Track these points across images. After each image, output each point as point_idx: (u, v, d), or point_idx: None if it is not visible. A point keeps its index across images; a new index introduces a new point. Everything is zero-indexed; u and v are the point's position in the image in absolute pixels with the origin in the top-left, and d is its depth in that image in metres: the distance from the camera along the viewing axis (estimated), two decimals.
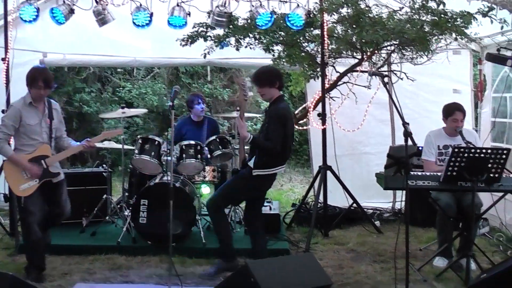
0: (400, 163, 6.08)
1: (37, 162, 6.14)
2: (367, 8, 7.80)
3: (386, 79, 5.70)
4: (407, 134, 5.12)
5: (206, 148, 7.81)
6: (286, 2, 7.72)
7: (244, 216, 7.05)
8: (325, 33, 7.99)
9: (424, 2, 7.61)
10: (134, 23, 7.48)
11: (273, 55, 8.43)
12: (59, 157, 6.43)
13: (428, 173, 6.36)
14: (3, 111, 6.87)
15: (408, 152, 5.23)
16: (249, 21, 7.92)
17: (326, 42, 8.04)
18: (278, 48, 8.45)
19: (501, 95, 8.26)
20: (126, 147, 8.25)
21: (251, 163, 6.22)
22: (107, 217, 8.17)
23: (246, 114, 10.20)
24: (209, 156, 7.83)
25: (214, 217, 6.59)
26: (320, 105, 8.32)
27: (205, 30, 8.20)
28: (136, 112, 10.07)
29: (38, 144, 6.20)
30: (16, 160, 6.12)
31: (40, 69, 6.42)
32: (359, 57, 8.32)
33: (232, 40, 8.22)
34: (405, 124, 5.21)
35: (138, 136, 7.91)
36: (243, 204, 7.60)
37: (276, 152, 6.12)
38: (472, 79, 9.54)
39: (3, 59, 7.89)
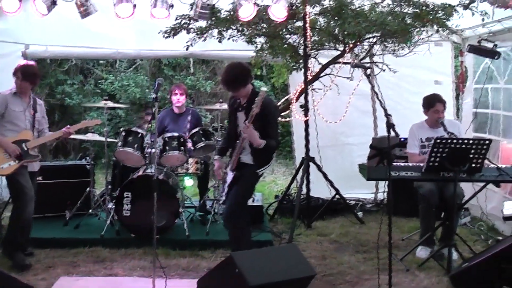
0: (383, 154, 6.12)
1: (19, 145, 6.43)
2: (349, 0, 7.79)
3: (368, 71, 5.74)
4: (390, 125, 5.14)
5: (189, 140, 7.82)
6: None
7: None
8: (307, 25, 7.99)
9: None
10: (117, 14, 7.46)
11: (256, 47, 8.42)
12: (39, 141, 6.72)
13: (410, 164, 6.42)
14: None
15: (390, 143, 5.26)
16: (231, 13, 7.90)
17: (308, 34, 8.04)
18: (260, 40, 8.43)
19: (483, 86, 8.33)
20: (109, 139, 8.21)
21: (247, 160, 6.03)
22: (90, 210, 8.13)
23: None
24: (192, 148, 7.83)
25: (233, 230, 6.14)
26: (302, 97, 8.34)
27: (187, 22, 8.17)
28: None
29: (21, 130, 6.49)
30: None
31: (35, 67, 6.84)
32: (342, 49, 8.31)
33: (215, 32, 8.20)
34: (387, 115, 5.23)
35: (121, 129, 7.91)
36: None
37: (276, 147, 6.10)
38: (454, 70, 9.61)
39: None
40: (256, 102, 5.61)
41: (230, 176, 6.15)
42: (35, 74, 6.66)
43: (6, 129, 6.50)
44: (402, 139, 7.22)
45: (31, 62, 6.91)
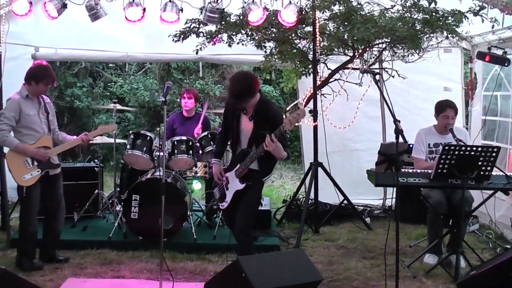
0: (391, 160, 6.10)
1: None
2: (358, 6, 7.80)
3: (377, 77, 5.72)
4: (398, 131, 5.14)
5: (198, 144, 7.85)
6: None
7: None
8: (317, 30, 8.01)
9: (415, 0, 7.63)
10: (126, 18, 7.49)
11: (265, 52, 8.46)
12: (59, 150, 6.60)
13: (419, 171, 6.39)
14: None
15: (399, 149, 5.25)
16: (241, 17, 7.92)
17: (318, 39, 8.06)
18: (270, 44, 8.46)
19: (492, 93, 8.32)
20: (118, 140, 8.24)
21: (254, 167, 5.89)
22: (98, 212, 8.19)
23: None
24: (200, 152, 7.85)
25: (246, 240, 5.99)
26: (311, 102, 8.34)
27: (197, 26, 8.20)
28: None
29: (39, 135, 6.38)
30: (23, 148, 6.27)
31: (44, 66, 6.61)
32: (351, 54, 8.32)
33: (224, 36, 8.22)
34: (396, 121, 5.22)
35: (130, 132, 7.93)
36: None
37: None
38: (463, 77, 9.57)
39: None
40: (291, 120, 5.41)
41: (236, 183, 5.96)
42: (52, 75, 6.55)
43: (22, 134, 6.33)
44: (411, 146, 7.20)
45: (44, 62, 6.83)
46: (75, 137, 6.76)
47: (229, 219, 6.29)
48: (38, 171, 6.31)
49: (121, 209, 7.51)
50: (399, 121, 5.24)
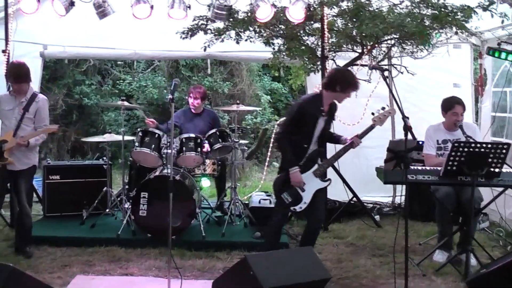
0: (399, 157, 6.07)
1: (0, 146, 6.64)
2: (367, 2, 7.77)
3: (386, 73, 5.70)
4: (407, 128, 5.12)
5: (206, 142, 7.84)
6: None
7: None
8: (325, 26, 7.98)
9: None
10: (134, 15, 7.50)
11: (273, 49, 8.43)
12: (12, 144, 6.63)
13: (428, 168, 6.36)
14: None
15: (407, 146, 5.23)
16: (249, 14, 7.90)
17: (326, 35, 8.02)
18: (278, 41, 8.44)
19: (502, 89, 8.27)
20: (126, 138, 8.26)
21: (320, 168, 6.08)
22: (107, 210, 8.20)
23: (248, 107, 10.25)
24: (208, 150, 7.84)
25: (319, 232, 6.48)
26: None
27: (205, 23, 8.19)
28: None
29: (7, 129, 6.72)
30: None
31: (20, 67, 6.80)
32: (359, 50, 8.29)
33: (232, 33, 8.21)
34: (405, 118, 5.21)
35: (138, 129, 7.93)
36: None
37: None
38: (473, 73, 9.53)
39: (3, 51, 7.97)
40: (381, 117, 6.01)
41: (316, 182, 6.04)
42: (27, 73, 6.72)
43: (1, 128, 6.85)
44: (420, 142, 7.16)
45: (18, 62, 6.91)
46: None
47: (301, 214, 6.43)
48: None
49: (130, 206, 7.50)
50: (408, 118, 5.22)
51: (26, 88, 6.71)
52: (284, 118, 6.28)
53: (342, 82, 5.97)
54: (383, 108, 6.04)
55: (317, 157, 6.06)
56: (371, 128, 6.03)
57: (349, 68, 8.43)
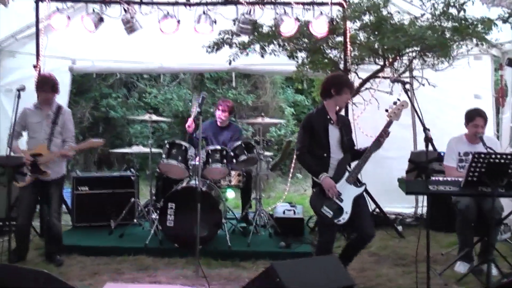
0: (421, 168, 6.13)
1: (34, 159, 6.78)
2: (389, 15, 7.89)
3: (407, 86, 5.79)
4: (428, 140, 5.21)
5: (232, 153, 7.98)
6: (309, 9, 7.88)
7: None
8: (347, 40, 8.12)
9: (445, 9, 7.67)
10: (161, 30, 7.69)
11: (297, 62, 8.57)
12: (48, 158, 6.83)
13: (449, 178, 6.40)
14: None
15: (428, 158, 5.32)
16: (273, 28, 8.05)
17: (348, 48, 8.16)
18: (301, 54, 8.56)
19: None
20: (153, 150, 8.43)
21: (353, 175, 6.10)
22: (134, 220, 8.37)
23: (272, 120, 10.36)
24: (234, 161, 7.98)
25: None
26: (343, 111, 8.43)
27: (230, 37, 8.36)
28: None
29: (38, 142, 6.86)
30: (18, 153, 6.83)
31: (46, 76, 7.12)
32: (381, 63, 8.37)
33: (257, 47, 8.36)
34: (426, 130, 5.30)
35: (165, 141, 8.08)
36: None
37: None
38: (494, 84, 9.56)
39: (34, 66, 8.16)
40: (396, 112, 6.00)
41: (353, 190, 6.03)
42: (55, 83, 6.94)
43: (28, 140, 6.96)
44: (442, 154, 7.23)
45: (47, 73, 7.22)
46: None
47: (347, 224, 6.20)
48: (29, 175, 6.79)
49: (157, 216, 7.67)
50: (429, 130, 5.31)
51: (52, 98, 6.92)
52: (297, 135, 6.35)
53: (335, 85, 6.10)
54: (395, 103, 6.05)
55: (345, 165, 6.09)
56: (389, 124, 6.05)
57: (371, 80, 8.58)
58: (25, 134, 7.02)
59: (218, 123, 8.86)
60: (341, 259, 5.94)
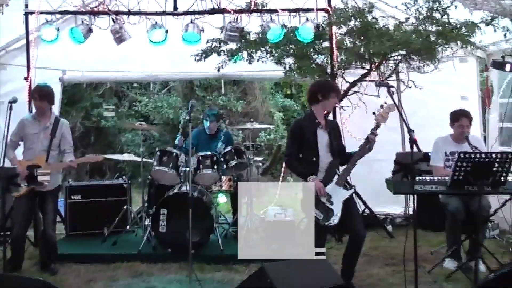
0: (406, 169, 6.22)
1: (30, 171, 6.79)
2: (374, 20, 7.97)
3: (392, 89, 5.89)
4: (412, 141, 5.32)
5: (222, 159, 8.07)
6: (296, 16, 7.98)
7: None
8: (334, 45, 8.21)
9: (429, 13, 7.76)
10: (150, 40, 7.78)
11: (285, 68, 8.64)
12: (48, 169, 6.85)
13: (435, 178, 6.50)
14: None
15: (413, 158, 5.42)
16: (260, 35, 8.15)
17: (335, 53, 8.25)
18: (289, 60, 8.63)
19: (508, 100, 8.40)
20: (144, 160, 8.50)
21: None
22: (127, 227, 8.44)
23: (261, 125, 10.43)
24: (225, 166, 8.06)
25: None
26: (331, 115, 8.52)
27: (218, 45, 8.45)
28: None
29: (35, 153, 6.88)
30: (14, 164, 6.90)
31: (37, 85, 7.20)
32: (368, 67, 8.45)
33: (245, 54, 8.45)
34: (410, 131, 5.40)
35: (156, 149, 8.17)
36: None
37: None
38: (479, 85, 9.68)
39: (25, 78, 8.23)
40: (383, 115, 6.11)
41: (342, 192, 6.09)
42: (50, 94, 7.00)
43: (24, 150, 6.97)
44: (429, 154, 7.31)
45: (41, 83, 7.24)
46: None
47: (339, 227, 6.26)
48: (25, 185, 6.80)
49: (150, 223, 7.75)
50: (413, 131, 5.41)
51: (47, 107, 6.97)
52: (286, 140, 6.44)
53: (320, 90, 6.21)
54: (382, 106, 6.16)
55: (334, 168, 6.17)
56: (376, 127, 6.17)
57: (358, 84, 8.67)
58: (21, 143, 7.07)
59: (207, 131, 8.93)
60: (343, 276, 6.04)
